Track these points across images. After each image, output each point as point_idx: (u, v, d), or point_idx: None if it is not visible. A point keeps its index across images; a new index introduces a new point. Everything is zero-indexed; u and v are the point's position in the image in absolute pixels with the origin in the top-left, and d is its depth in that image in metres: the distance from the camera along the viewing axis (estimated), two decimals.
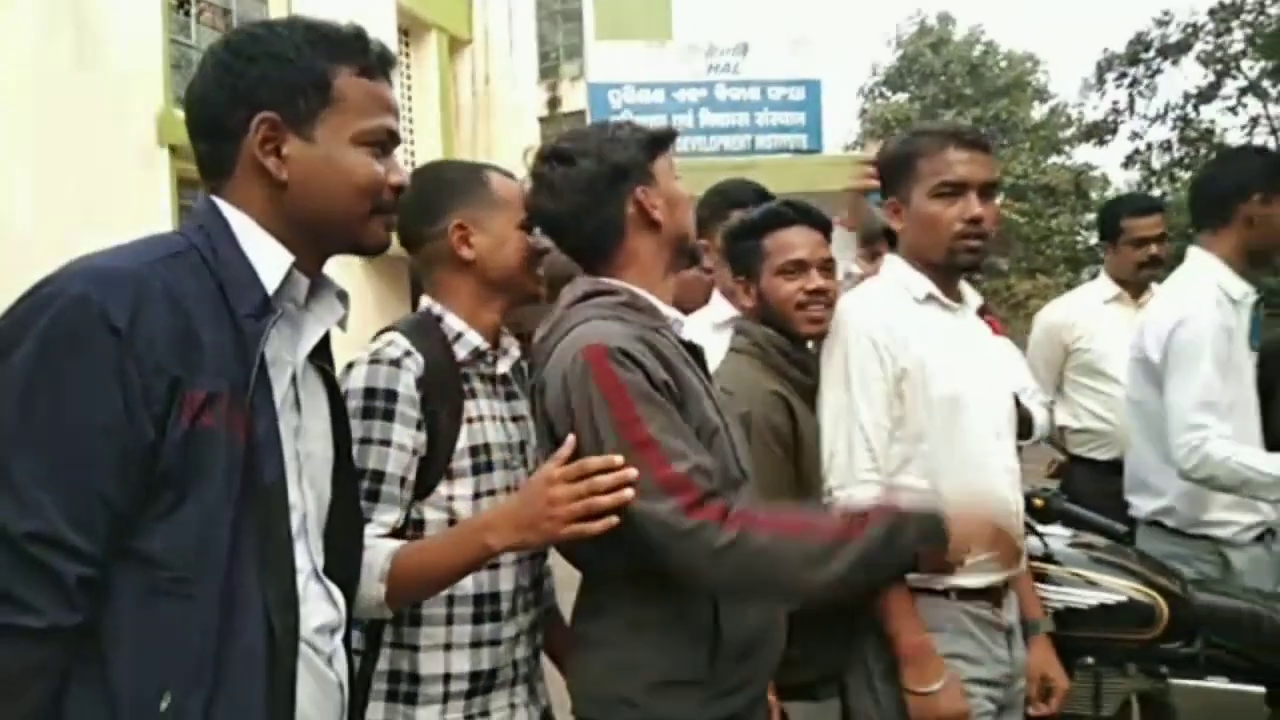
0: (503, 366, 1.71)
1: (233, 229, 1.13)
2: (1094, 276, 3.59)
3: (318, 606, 1.17)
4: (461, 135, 19.81)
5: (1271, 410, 2.57)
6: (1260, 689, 2.11)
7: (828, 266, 2.00)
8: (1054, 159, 31.34)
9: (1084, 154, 29.98)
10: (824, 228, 2.05)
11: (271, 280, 1.13)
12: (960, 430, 1.90)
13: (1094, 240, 28.51)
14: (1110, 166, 27.76)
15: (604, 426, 1.39)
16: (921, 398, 1.89)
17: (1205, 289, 2.50)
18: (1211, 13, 20.24)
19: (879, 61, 33.88)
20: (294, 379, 1.16)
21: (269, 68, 1.14)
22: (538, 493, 1.39)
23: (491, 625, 1.60)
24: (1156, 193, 24.06)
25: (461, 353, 1.63)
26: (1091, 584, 2.19)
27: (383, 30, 16.89)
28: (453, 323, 1.64)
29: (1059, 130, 31.47)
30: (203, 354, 1.02)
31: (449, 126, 19.46)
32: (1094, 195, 29.37)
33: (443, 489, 1.56)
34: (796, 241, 1.99)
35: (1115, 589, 2.17)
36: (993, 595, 1.92)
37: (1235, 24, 20.50)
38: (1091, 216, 30.67)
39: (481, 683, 1.59)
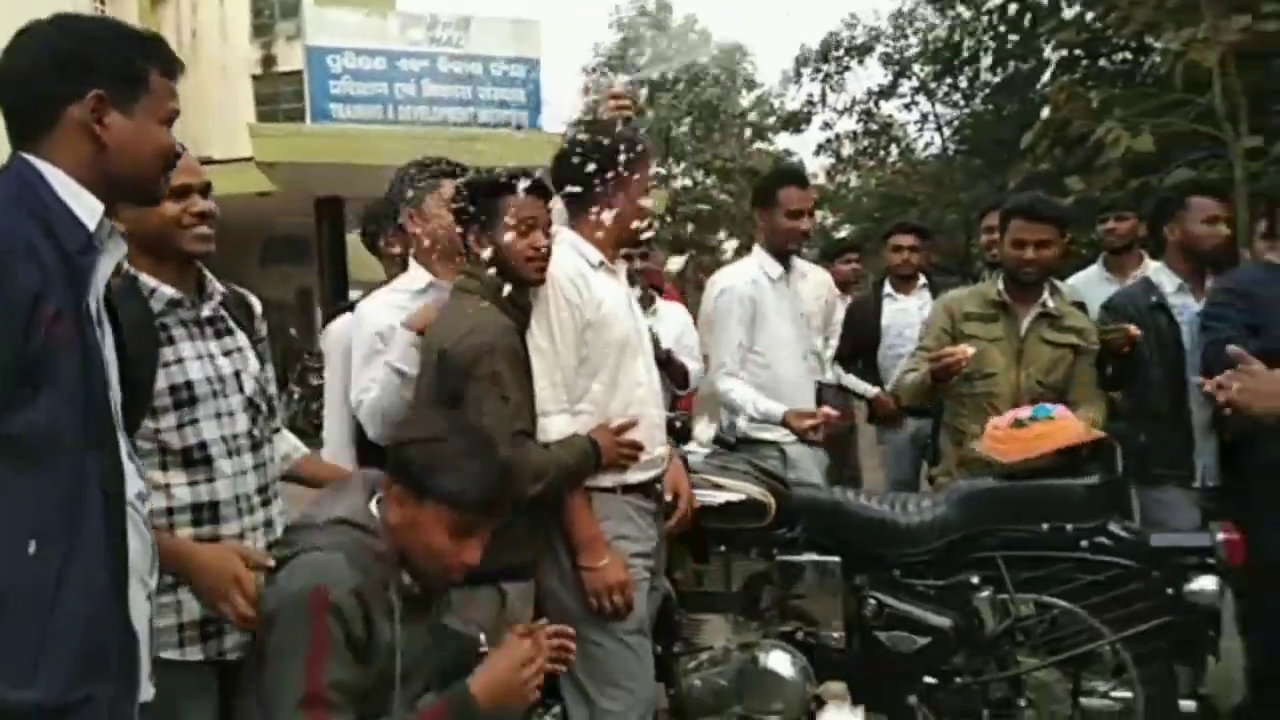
0: (206, 310, 1.98)
1: (49, 180, 1.39)
2: None
3: (133, 479, 1.46)
4: None
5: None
6: (838, 559, 2.80)
7: (548, 227, 2.39)
8: (758, 144, 33.52)
9: (783, 140, 32.33)
10: (546, 195, 2.41)
11: (90, 223, 1.39)
12: (624, 367, 2.43)
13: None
14: (805, 153, 30.11)
15: (295, 661, 1.66)
16: (600, 341, 2.39)
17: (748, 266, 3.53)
18: (891, 18, 22.59)
19: (600, 41, 34.73)
20: (97, 301, 1.45)
21: (103, 55, 1.45)
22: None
23: (210, 528, 1.90)
24: (842, 179, 26.56)
25: (157, 305, 1.89)
26: (718, 487, 2.80)
27: None
28: (146, 280, 1.88)
29: (764, 118, 33.70)
30: (49, 277, 1.30)
31: None
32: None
33: (149, 423, 1.80)
34: (529, 204, 2.33)
35: (736, 490, 2.79)
36: (645, 489, 2.46)
37: (910, 31, 22.98)
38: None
39: None
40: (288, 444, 2.33)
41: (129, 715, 1.40)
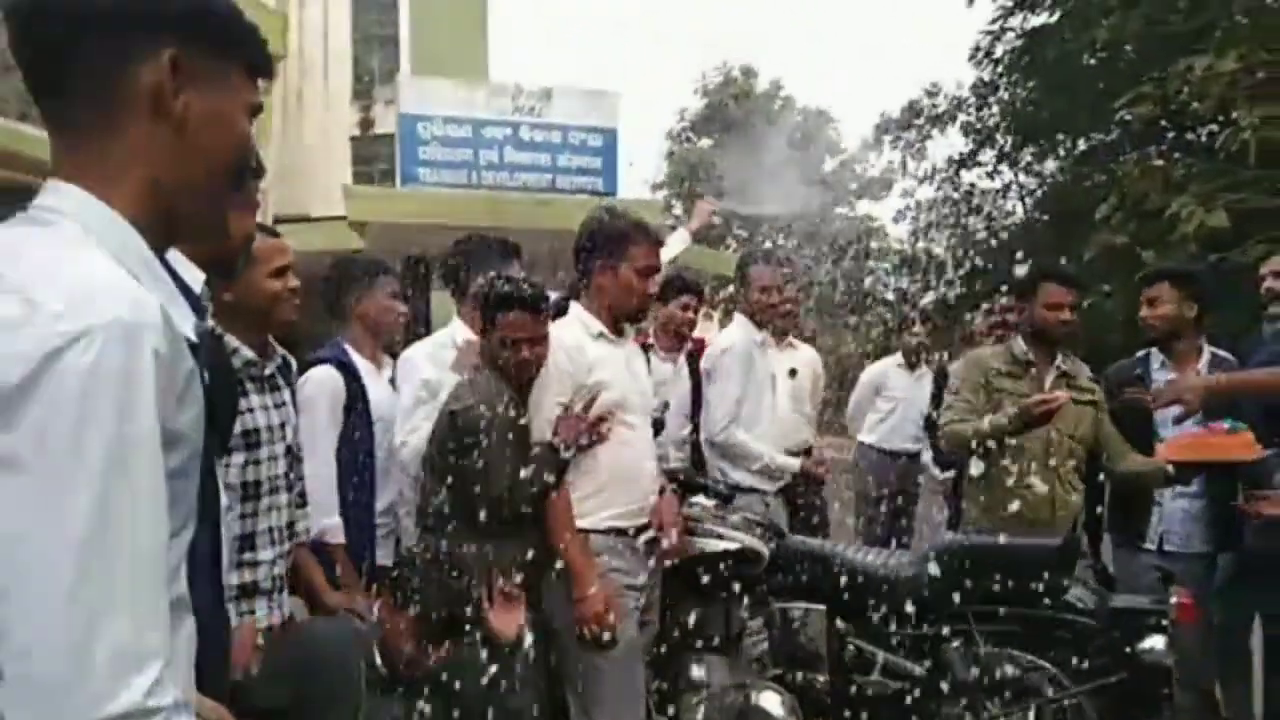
0: (269, 369, 2.41)
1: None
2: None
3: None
4: (270, 152, 19.79)
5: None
6: (823, 607, 3.06)
7: (537, 340, 2.74)
8: (841, 209, 33.79)
9: (864, 207, 32.57)
10: (539, 309, 2.74)
11: (196, 287, 1.28)
12: (620, 423, 2.77)
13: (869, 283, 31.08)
14: (885, 220, 30.28)
15: None
16: (600, 402, 2.74)
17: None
18: (973, 88, 22.74)
19: (686, 107, 35.59)
20: None
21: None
22: None
23: (250, 554, 2.29)
24: (921, 246, 26.60)
25: (237, 363, 2.31)
26: (719, 536, 3.10)
27: None
28: (229, 340, 2.28)
29: (847, 183, 34.00)
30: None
31: (259, 140, 19.40)
32: (874, 245, 32.02)
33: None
34: (520, 322, 2.69)
35: (734, 539, 3.09)
36: (634, 532, 2.79)
37: (992, 100, 23.10)
38: (872, 264, 33.43)
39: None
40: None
41: None
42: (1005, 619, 2.87)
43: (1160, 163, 12.89)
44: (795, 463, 3.75)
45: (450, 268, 3.40)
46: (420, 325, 13.10)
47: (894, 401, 5.81)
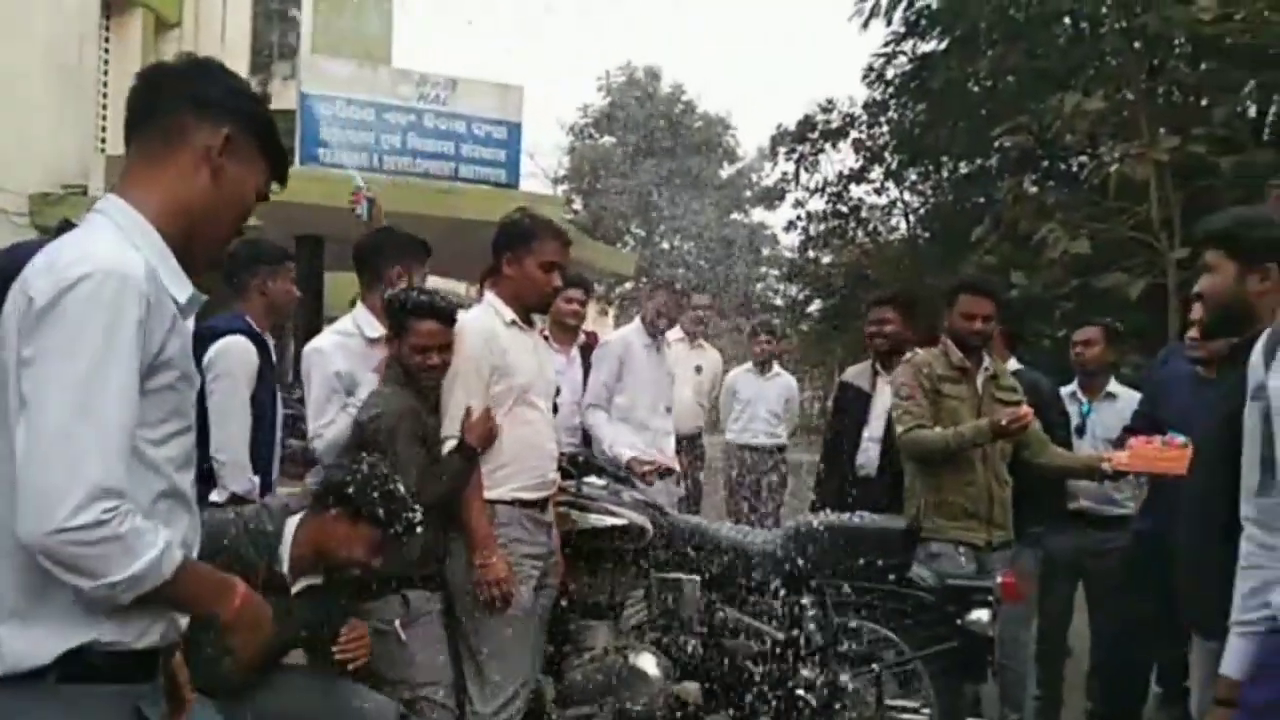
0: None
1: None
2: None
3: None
4: None
5: None
6: (697, 578, 3.40)
7: (445, 348, 2.98)
8: (735, 215, 34.50)
9: (758, 214, 33.36)
10: (449, 319, 2.99)
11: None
12: (520, 407, 3.05)
13: (760, 287, 31.89)
14: (778, 228, 31.14)
15: None
16: (503, 384, 3.01)
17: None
18: (865, 107, 23.60)
19: (589, 103, 35.79)
20: None
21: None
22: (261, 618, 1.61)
23: None
24: (811, 254, 27.47)
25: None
26: (609, 513, 3.40)
27: (86, 3, 16.22)
28: None
29: (742, 190, 34.75)
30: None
31: None
32: (765, 251, 32.89)
33: None
34: (431, 331, 2.93)
35: (622, 516, 3.40)
36: (538, 504, 3.08)
37: (883, 119, 24.01)
38: (764, 269, 34.33)
39: None
40: None
41: None
42: (854, 591, 3.26)
43: (1034, 189, 13.80)
44: (627, 454, 3.95)
45: (364, 257, 3.54)
46: (315, 306, 13.09)
47: (744, 403, 6.58)
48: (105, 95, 17.82)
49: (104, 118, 17.63)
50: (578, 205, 33.27)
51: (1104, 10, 12.31)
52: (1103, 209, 11.02)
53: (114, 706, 1.38)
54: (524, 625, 3.01)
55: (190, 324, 1.58)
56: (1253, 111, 12.64)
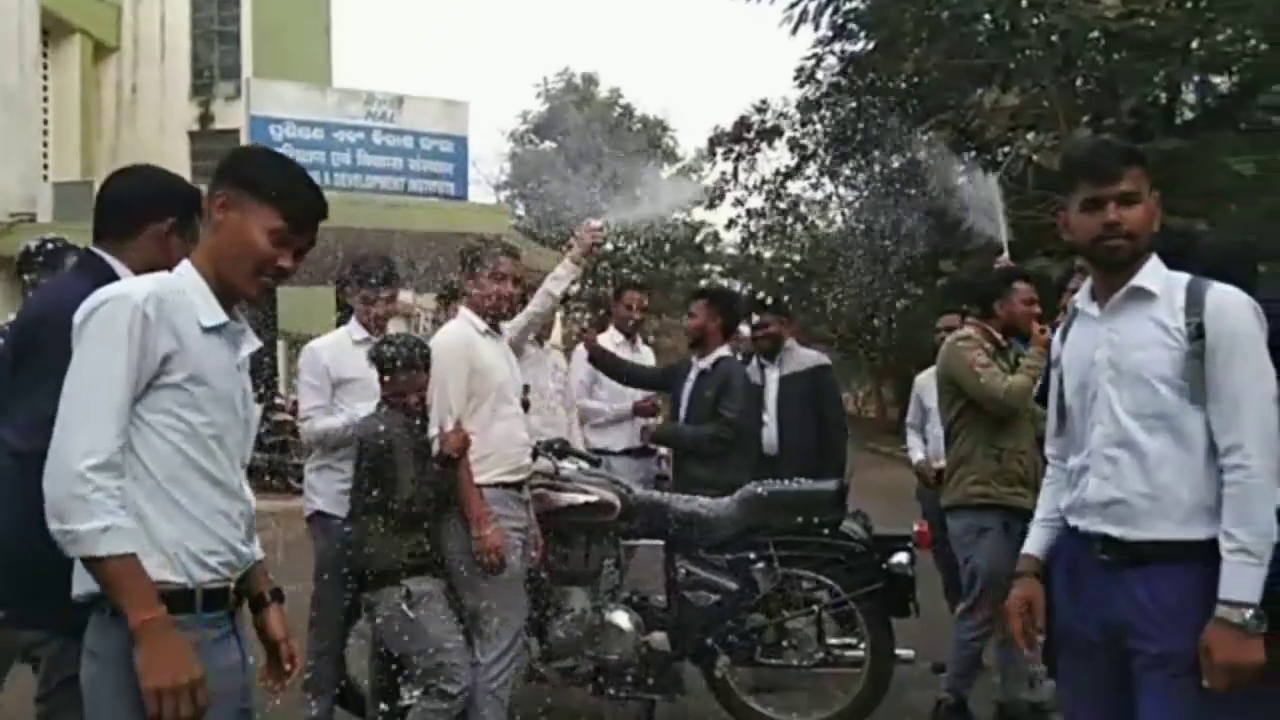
0: None
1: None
2: None
3: None
4: (104, 143, 19.31)
5: None
6: (661, 542, 3.93)
7: (421, 389, 3.46)
8: (676, 215, 35.02)
9: (699, 213, 33.96)
10: (425, 367, 3.45)
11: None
12: (501, 401, 3.56)
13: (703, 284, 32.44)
14: (719, 226, 31.80)
15: None
16: (482, 385, 3.51)
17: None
18: (798, 106, 24.28)
19: (528, 109, 36.16)
20: None
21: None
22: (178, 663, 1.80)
23: None
24: (752, 250, 28.15)
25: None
26: (583, 491, 3.92)
27: (25, 30, 16.30)
28: None
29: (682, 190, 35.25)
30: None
31: (89, 133, 18.91)
32: (707, 249, 33.56)
33: None
34: (408, 380, 3.43)
35: (594, 493, 3.91)
36: (517, 485, 3.58)
37: (815, 117, 24.71)
38: (707, 266, 35.00)
39: None
40: None
41: None
42: (795, 546, 3.81)
43: (963, 180, 14.49)
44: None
45: (341, 282, 4.12)
46: (269, 329, 13.41)
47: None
48: (47, 123, 17.92)
49: (45, 145, 17.73)
50: (520, 211, 33.60)
51: (1021, 8, 12.96)
52: (1026, 197, 11.73)
53: None
54: (515, 586, 3.50)
55: (246, 344, 2.01)
56: (1164, 99, 13.38)
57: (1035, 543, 2.34)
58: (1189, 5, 11.44)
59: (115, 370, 1.74)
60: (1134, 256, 2.12)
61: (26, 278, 3.50)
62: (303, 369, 3.95)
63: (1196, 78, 12.57)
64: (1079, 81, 13.35)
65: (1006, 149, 15.41)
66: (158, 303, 1.79)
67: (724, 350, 4.87)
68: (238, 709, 1.96)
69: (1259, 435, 1.96)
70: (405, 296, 28.56)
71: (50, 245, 3.45)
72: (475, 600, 3.40)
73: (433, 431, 3.42)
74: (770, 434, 5.06)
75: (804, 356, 5.25)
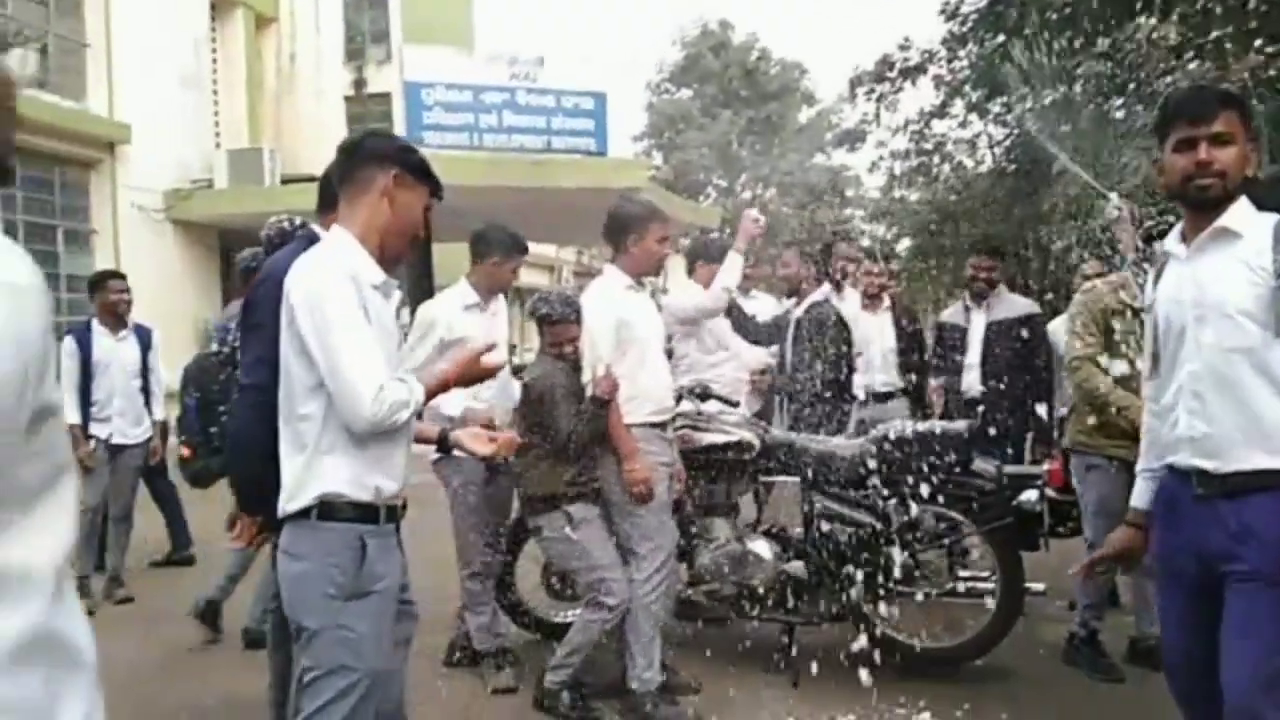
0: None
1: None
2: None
3: None
4: (265, 110, 20.50)
5: None
6: (798, 479, 4.20)
7: (576, 337, 3.81)
8: (818, 158, 34.56)
9: (840, 156, 33.41)
10: (577, 319, 3.80)
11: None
12: (651, 351, 3.87)
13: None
14: (861, 169, 31.21)
15: None
16: (629, 335, 3.83)
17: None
18: (943, 42, 23.50)
19: (665, 59, 36.16)
20: None
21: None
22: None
23: None
24: (897, 194, 27.59)
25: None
26: (725, 432, 4.22)
27: (195, 7, 17.44)
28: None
29: (823, 133, 34.76)
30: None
31: (254, 101, 20.08)
32: (849, 193, 33.00)
33: None
34: (560, 329, 3.81)
35: (734, 433, 4.21)
36: (662, 425, 3.90)
37: (962, 53, 23.85)
38: (849, 211, 34.45)
39: None
40: None
41: None
42: (928, 483, 4.01)
43: (1120, 114, 13.88)
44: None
45: (473, 244, 4.40)
46: (425, 280, 14.17)
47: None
48: (216, 94, 19.15)
49: (216, 115, 18.97)
50: (658, 161, 33.80)
51: None
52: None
53: (347, 537, 2.31)
54: (662, 514, 3.84)
55: (396, 295, 2.49)
56: None
57: (1139, 495, 2.48)
58: None
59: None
60: (1224, 197, 2.20)
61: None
62: (415, 328, 4.23)
63: None
64: (1250, 4, 12.56)
65: (1169, 79, 14.66)
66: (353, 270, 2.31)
67: (817, 295, 5.07)
68: (397, 599, 2.50)
69: None
70: (549, 250, 29.30)
71: (288, 225, 3.84)
72: (629, 525, 3.77)
73: (585, 376, 3.77)
74: (972, 377, 5.21)
75: (1015, 303, 5.34)
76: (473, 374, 2.52)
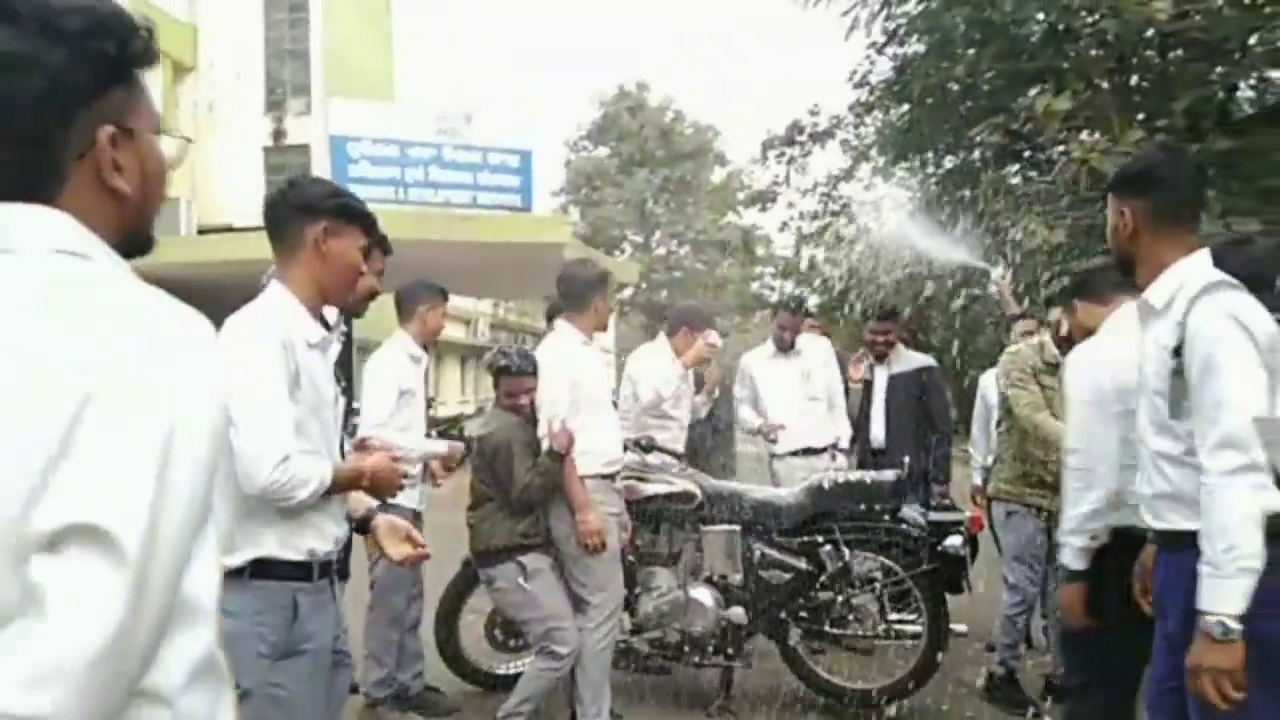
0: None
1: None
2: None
3: None
4: (185, 163, 20.22)
5: None
6: (738, 528, 4.40)
7: (530, 391, 3.97)
8: (730, 217, 35.41)
9: (751, 216, 34.29)
10: (533, 374, 3.97)
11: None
12: (602, 405, 4.06)
13: (756, 288, 32.72)
14: (771, 229, 32.05)
15: None
16: (582, 390, 4.01)
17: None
18: (851, 108, 24.46)
19: (583, 118, 36.77)
20: None
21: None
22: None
23: None
24: (805, 253, 28.41)
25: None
26: (669, 483, 4.41)
27: None
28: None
29: (735, 193, 35.66)
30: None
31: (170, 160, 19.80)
32: (759, 252, 33.87)
33: None
34: (517, 381, 3.96)
35: (676, 484, 4.40)
36: (611, 476, 4.07)
37: (869, 119, 24.86)
38: (759, 269, 35.29)
39: None
40: None
41: None
42: (859, 530, 4.26)
43: (1016, 180, 14.60)
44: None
45: (401, 300, 4.46)
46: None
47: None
48: None
49: None
50: (575, 216, 34.24)
51: (1072, 10, 13.01)
52: (1080, 197, 11.85)
53: (280, 596, 2.27)
54: (613, 563, 4.00)
55: (335, 348, 2.48)
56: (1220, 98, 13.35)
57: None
58: (1245, 2, 11.49)
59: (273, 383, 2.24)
60: (1131, 267, 2.39)
61: None
62: (370, 377, 4.22)
63: (1254, 76, 12.59)
64: (1133, 81, 13.41)
65: (1061, 149, 15.54)
66: (285, 328, 2.28)
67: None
68: (331, 652, 2.46)
69: (1215, 446, 2.08)
70: (468, 303, 29.27)
71: None
72: (581, 574, 3.91)
73: (542, 430, 3.93)
74: (878, 429, 5.56)
75: (911, 358, 5.70)
76: (388, 484, 2.47)
